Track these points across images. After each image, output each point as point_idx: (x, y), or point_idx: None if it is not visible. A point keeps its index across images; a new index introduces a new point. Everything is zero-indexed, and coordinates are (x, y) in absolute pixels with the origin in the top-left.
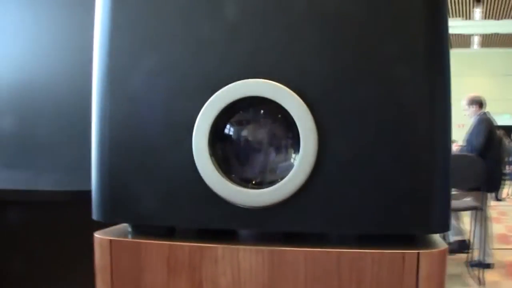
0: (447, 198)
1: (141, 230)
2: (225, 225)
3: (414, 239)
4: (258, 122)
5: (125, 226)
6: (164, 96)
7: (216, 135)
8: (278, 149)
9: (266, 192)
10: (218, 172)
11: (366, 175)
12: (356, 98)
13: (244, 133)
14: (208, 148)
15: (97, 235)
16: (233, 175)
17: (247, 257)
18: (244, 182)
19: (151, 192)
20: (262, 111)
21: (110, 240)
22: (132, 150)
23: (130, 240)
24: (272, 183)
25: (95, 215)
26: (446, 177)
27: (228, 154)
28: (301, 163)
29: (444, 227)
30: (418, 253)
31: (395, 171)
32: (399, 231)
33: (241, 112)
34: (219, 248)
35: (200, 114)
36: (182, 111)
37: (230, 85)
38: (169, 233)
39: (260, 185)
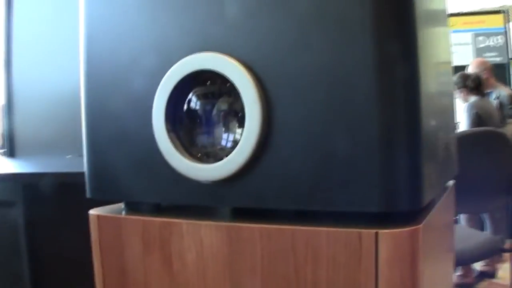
0: (416, 172)
1: (132, 207)
2: (183, 200)
3: (388, 218)
4: (209, 97)
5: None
6: (129, 74)
7: (173, 111)
8: (228, 124)
9: (215, 167)
10: (175, 147)
11: (317, 147)
12: (303, 68)
13: (197, 108)
14: (165, 124)
15: (91, 211)
16: (191, 151)
17: (207, 233)
18: (198, 157)
19: (121, 169)
20: (213, 86)
21: (97, 216)
22: (108, 131)
23: (112, 215)
24: (222, 158)
25: (88, 193)
26: (413, 152)
27: (184, 129)
28: (246, 136)
29: (411, 204)
30: (376, 232)
31: (347, 143)
32: (355, 208)
33: (195, 87)
34: (184, 224)
35: (158, 90)
36: (144, 89)
37: (182, 60)
38: (156, 210)
39: (212, 160)
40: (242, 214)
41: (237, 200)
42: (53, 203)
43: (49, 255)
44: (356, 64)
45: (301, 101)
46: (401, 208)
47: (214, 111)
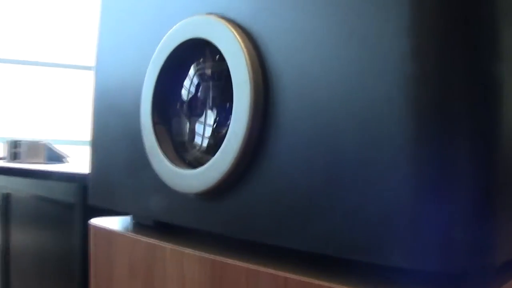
0: (488, 218)
1: (137, 220)
2: (164, 216)
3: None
4: (203, 78)
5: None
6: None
7: (164, 98)
8: (222, 116)
9: (195, 174)
10: (159, 144)
11: (328, 155)
12: (318, 48)
13: (185, 94)
14: (151, 115)
15: (91, 220)
16: (177, 151)
17: (190, 264)
18: (183, 160)
19: (114, 173)
20: (210, 64)
21: (93, 227)
22: (112, 130)
23: (104, 228)
24: (205, 161)
25: (90, 199)
26: (482, 183)
27: (171, 122)
28: (232, 132)
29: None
30: None
31: (368, 151)
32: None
33: (188, 67)
34: (167, 249)
35: (147, 72)
36: (139, 74)
37: (171, 30)
38: (159, 225)
39: (197, 164)
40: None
41: (216, 225)
42: None
43: None
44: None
45: (313, 93)
46: (459, 267)
47: (202, 99)
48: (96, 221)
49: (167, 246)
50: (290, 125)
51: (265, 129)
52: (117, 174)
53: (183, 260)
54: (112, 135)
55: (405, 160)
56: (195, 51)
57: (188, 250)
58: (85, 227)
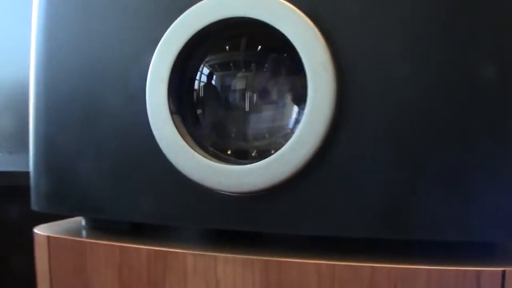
0: None
1: (98, 224)
2: (195, 221)
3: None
4: (244, 62)
5: (79, 220)
6: (108, 35)
7: (180, 83)
8: (274, 104)
9: (257, 168)
10: (182, 138)
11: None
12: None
13: (223, 78)
14: (168, 102)
15: (37, 230)
16: (208, 144)
17: (229, 271)
18: (223, 154)
19: (97, 172)
20: (250, 45)
21: (48, 237)
22: (74, 116)
23: (72, 238)
24: (263, 155)
25: (33, 204)
26: None
27: (199, 111)
28: (309, 121)
29: None
30: (504, 271)
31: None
32: (472, 237)
33: (217, 46)
34: (189, 256)
35: (155, 51)
36: (133, 53)
37: (197, 5)
38: (135, 229)
39: (245, 158)
40: (278, 239)
41: (290, 224)
42: None
43: None
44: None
45: (390, 77)
46: None
47: (248, 85)
48: (45, 230)
49: (188, 251)
50: (366, 113)
51: (340, 120)
52: (85, 173)
53: (217, 266)
54: (74, 122)
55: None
56: (220, 35)
57: (224, 254)
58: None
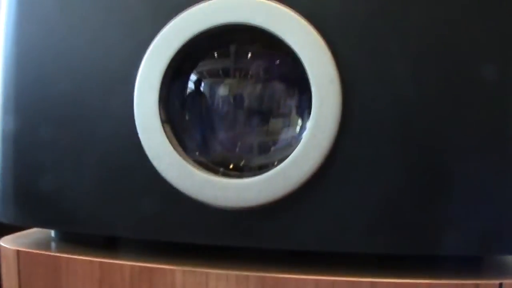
0: None
1: (69, 236)
2: (187, 236)
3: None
4: (242, 70)
5: (47, 230)
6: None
7: (171, 90)
8: (273, 113)
9: (258, 182)
10: (174, 148)
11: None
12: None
13: (218, 86)
14: (159, 111)
15: (3, 243)
16: (201, 155)
17: (222, 287)
18: (219, 166)
19: (75, 181)
20: (249, 53)
21: (17, 252)
22: (50, 118)
23: (45, 253)
24: (264, 168)
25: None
26: None
27: (192, 120)
28: (313, 135)
29: None
30: (501, 283)
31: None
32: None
33: (213, 51)
34: (178, 272)
35: (146, 56)
36: (119, 54)
37: (195, 7)
38: (110, 243)
39: (242, 171)
40: (271, 254)
41: (293, 241)
42: None
43: None
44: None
45: (396, 83)
46: None
47: (245, 93)
48: (13, 242)
49: (176, 268)
50: (369, 121)
51: (346, 132)
52: (61, 183)
53: (208, 283)
54: (47, 130)
55: None
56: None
57: (215, 269)
58: None
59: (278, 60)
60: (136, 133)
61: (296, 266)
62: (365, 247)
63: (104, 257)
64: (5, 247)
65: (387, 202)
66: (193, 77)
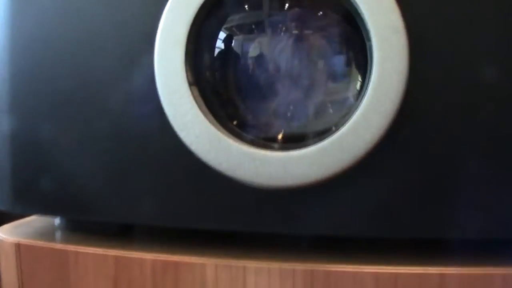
0: None
1: (77, 224)
2: (220, 223)
3: None
4: (285, 22)
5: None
6: None
7: (200, 49)
8: (326, 74)
9: (308, 155)
10: (205, 116)
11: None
12: None
13: (258, 41)
14: (185, 72)
15: (1, 233)
16: (238, 125)
17: (263, 284)
18: (260, 137)
19: (83, 161)
20: (294, 2)
21: (18, 244)
22: (53, 81)
23: (50, 246)
24: (313, 138)
25: None
26: None
27: (226, 83)
28: (375, 98)
29: None
30: None
31: None
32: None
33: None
34: (209, 266)
35: (166, 8)
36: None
37: None
38: (125, 232)
39: (287, 142)
40: (316, 245)
41: (345, 224)
42: None
43: None
44: None
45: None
46: None
47: (290, 52)
48: (13, 233)
49: (207, 261)
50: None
51: (413, 93)
52: (67, 163)
53: (245, 278)
54: (50, 102)
55: None
56: None
57: (255, 262)
58: None
59: (328, 9)
60: (158, 99)
61: (350, 257)
62: (438, 233)
63: (119, 249)
64: (2, 238)
65: (457, 179)
66: (226, 29)
